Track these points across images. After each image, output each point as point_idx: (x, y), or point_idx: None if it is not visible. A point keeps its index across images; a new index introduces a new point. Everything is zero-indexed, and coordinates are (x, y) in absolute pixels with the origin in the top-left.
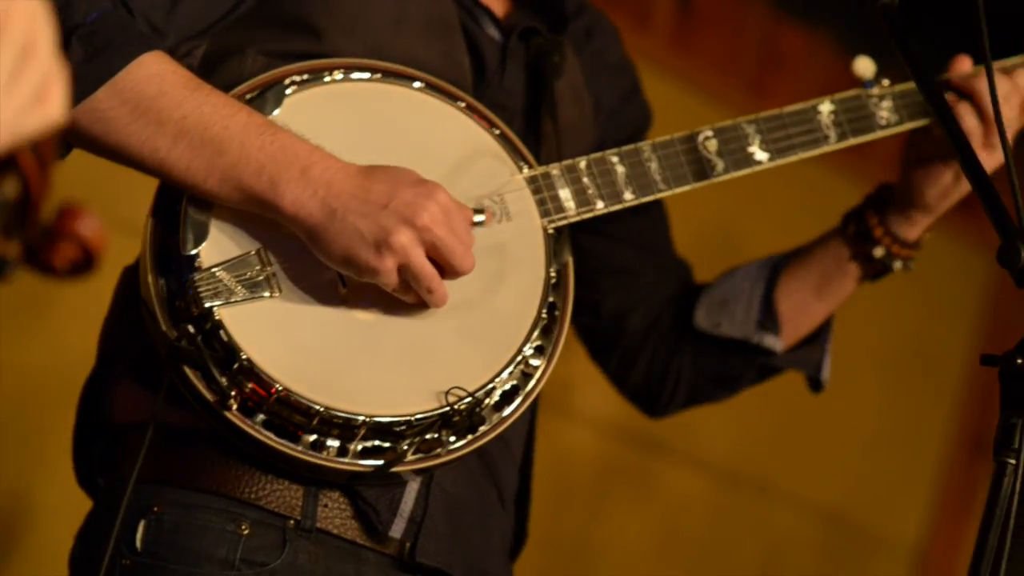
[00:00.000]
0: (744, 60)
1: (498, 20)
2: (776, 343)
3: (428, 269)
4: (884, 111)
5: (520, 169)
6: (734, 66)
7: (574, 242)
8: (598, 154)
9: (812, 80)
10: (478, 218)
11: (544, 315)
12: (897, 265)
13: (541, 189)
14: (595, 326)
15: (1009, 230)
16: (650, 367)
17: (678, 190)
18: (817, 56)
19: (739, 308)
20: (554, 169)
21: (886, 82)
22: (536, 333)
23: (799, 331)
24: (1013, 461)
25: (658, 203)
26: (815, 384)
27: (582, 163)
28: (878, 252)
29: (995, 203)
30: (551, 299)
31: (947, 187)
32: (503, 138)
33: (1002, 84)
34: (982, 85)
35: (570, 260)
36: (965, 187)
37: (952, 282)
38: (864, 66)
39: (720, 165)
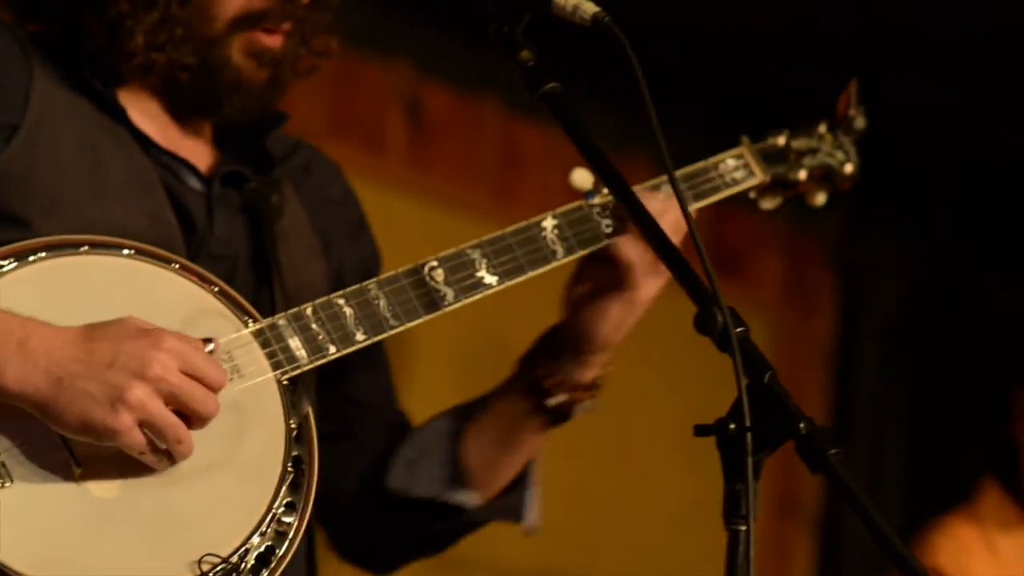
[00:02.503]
0: (484, 166)
1: (199, 171)
2: (470, 498)
3: (171, 419)
4: (608, 219)
5: (245, 324)
6: (475, 173)
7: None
8: (324, 299)
9: (556, 178)
10: (208, 348)
11: (290, 469)
12: (578, 409)
13: (270, 341)
14: None
15: (703, 296)
16: (362, 532)
17: (410, 324)
18: (557, 153)
19: (429, 467)
20: (280, 320)
21: (605, 191)
22: (284, 489)
23: (495, 482)
24: (744, 527)
25: (381, 352)
26: (528, 527)
27: (308, 310)
28: (554, 400)
29: (685, 270)
30: (295, 452)
31: (618, 320)
32: (223, 295)
33: (652, 203)
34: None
35: (310, 411)
36: (637, 316)
37: None
38: (582, 177)
39: (450, 294)
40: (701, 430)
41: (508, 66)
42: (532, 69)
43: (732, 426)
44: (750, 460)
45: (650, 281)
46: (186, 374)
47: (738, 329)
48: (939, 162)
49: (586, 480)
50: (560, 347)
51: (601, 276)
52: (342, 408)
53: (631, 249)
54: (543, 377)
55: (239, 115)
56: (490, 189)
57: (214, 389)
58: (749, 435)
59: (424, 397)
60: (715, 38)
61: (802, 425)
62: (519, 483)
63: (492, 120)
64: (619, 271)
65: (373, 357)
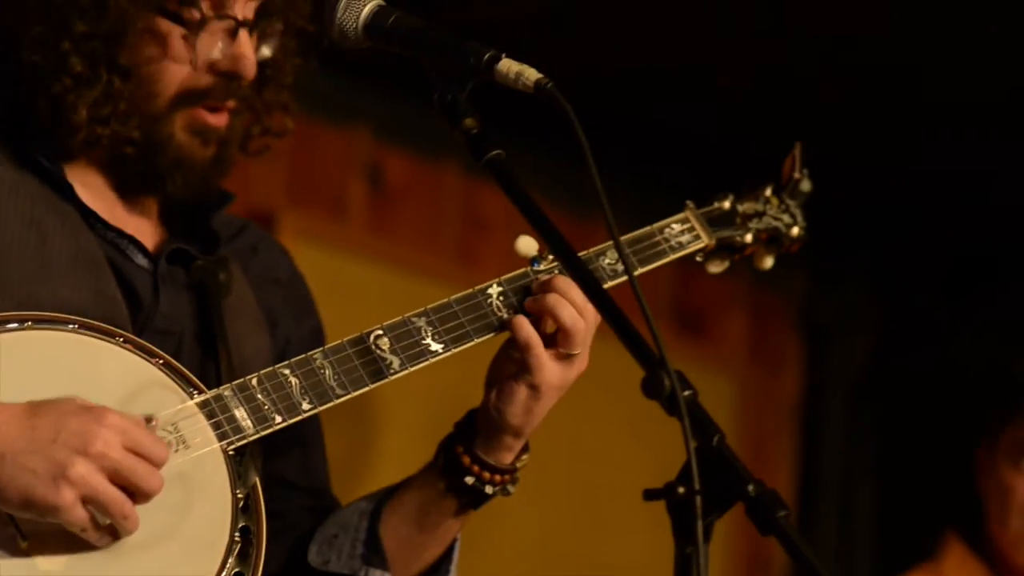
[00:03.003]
0: (446, 231)
1: (145, 248)
2: None
3: (115, 495)
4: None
5: (191, 395)
6: (437, 238)
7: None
8: (269, 369)
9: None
10: (149, 426)
11: (237, 539)
12: (492, 491)
13: (215, 412)
14: None
15: (651, 360)
16: None
17: (355, 393)
18: (520, 217)
19: (346, 543)
20: (226, 391)
21: (551, 257)
22: (232, 560)
23: (413, 563)
24: None
25: (316, 431)
26: None
27: (253, 380)
28: (469, 481)
29: (633, 337)
30: (242, 523)
31: (526, 405)
32: (168, 367)
33: (574, 288)
34: (552, 298)
35: (257, 481)
36: (547, 401)
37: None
38: (527, 244)
39: (395, 362)
40: (651, 494)
41: (450, 132)
42: (476, 136)
43: (681, 489)
44: (700, 523)
45: (553, 366)
46: (129, 450)
47: (686, 392)
48: (901, 218)
49: (554, 536)
50: (477, 430)
51: (506, 366)
52: (273, 487)
53: (524, 330)
54: (460, 455)
55: (182, 193)
56: (453, 254)
57: (157, 464)
58: (698, 498)
59: (393, 463)
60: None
61: (751, 487)
62: (439, 566)
63: (453, 185)
64: (519, 353)
65: (307, 436)
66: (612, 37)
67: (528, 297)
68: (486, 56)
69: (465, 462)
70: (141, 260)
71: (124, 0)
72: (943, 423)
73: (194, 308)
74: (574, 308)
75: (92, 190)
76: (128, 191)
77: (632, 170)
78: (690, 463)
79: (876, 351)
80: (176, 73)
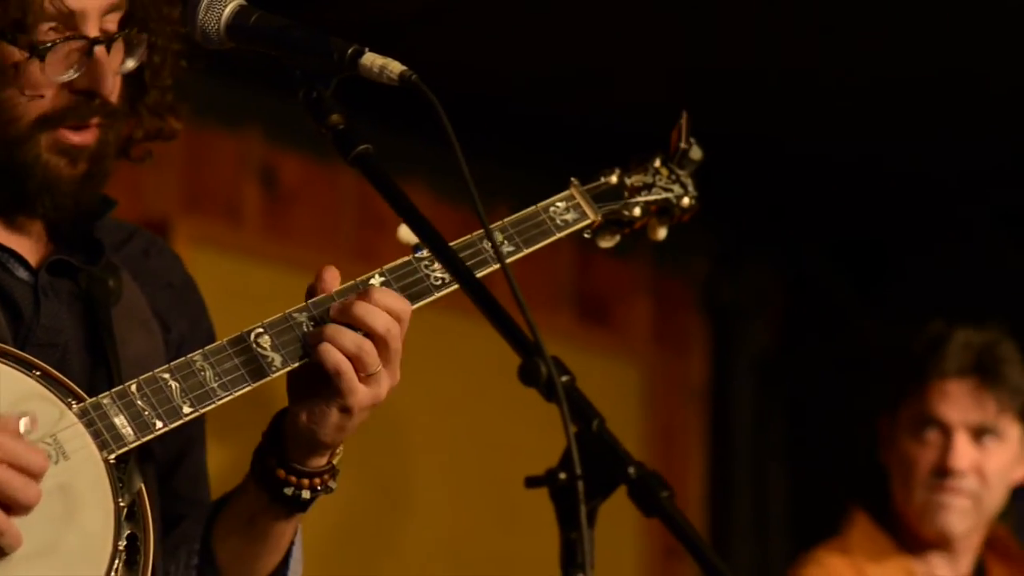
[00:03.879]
0: (343, 230)
1: (27, 261)
2: None
3: None
4: (437, 272)
5: (70, 406)
6: (334, 238)
7: None
8: (148, 375)
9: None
10: (23, 423)
11: (122, 548)
12: (312, 495)
13: (94, 421)
14: None
15: (526, 347)
16: None
17: (237, 393)
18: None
19: (183, 555)
20: (104, 399)
21: None
22: (119, 569)
23: (248, 573)
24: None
25: (200, 440)
26: None
27: (133, 386)
28: (288, 491)
29: (507, 324)
30: (128, 531)
31: (339, 425)
32: (46, 377)
33: (371, 310)
34: (362, 310)
35: (142, 487)
36: (359, 419)
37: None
38: (407, 233)
39: (277, 359)
40: (532, 481)
41: (316, 129)
42: (342, 132)
43: (563, 475)
44: (583, 508)
45: (364, 388)
46: (4, 462)
47: (563, 377)
48: (800, 197)
49: (467, 531)
50: (286, 439)
51: (313, 387)
52: (166, 497)
53: (332, 357)
54: (273, 468)
55: (53, 214)
56: (351, 253)
57: (35, 475)
58: (580, 483)
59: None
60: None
61: (631, 470)
62: (277, 572)
63: (348, 183)
64: (330, 379)
65: (192, 445)
66: (501, 33)
67: (331, 308)
68: (349, 51)
69: (280, 475)
70: (22, 273)
71: None
72: (847, 400)
73: (82, 318)
74: (352, 334)
75: None
76: (6, 208)
77: (528, 163)
78: (570, 448)
79: (781, 331)
80: (33, 97)
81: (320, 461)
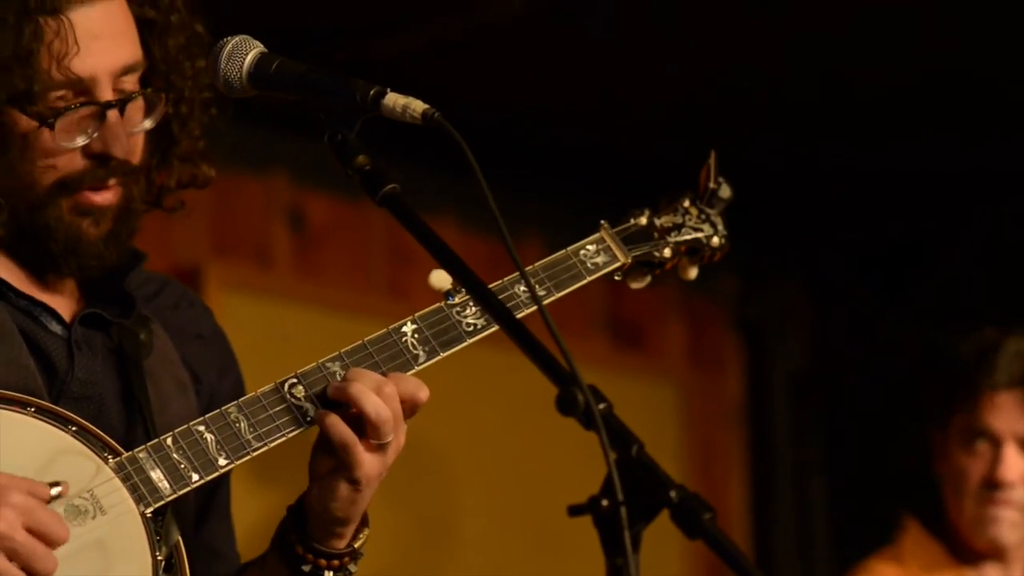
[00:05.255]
0: (373, 267)
1: (60, 316)
2: None
3: (12, 574)
4: (469, 318)
5: (106, 460)
6: (365, 275)
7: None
8: (184, 427)
9: None
10: (55, 491)
11: None
12: (332, 575)
13: (131, 475)
14: None
15: (563, 377)
16: None
17: (273, 444)
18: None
19: None
20: (141, 453)
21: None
22: None
23: None
24: None
25: (226, 500)
26: None
27: (168, 440)
28: (306, 568)
29: (544, 356)
30: None
31: (350, 498)
32: (82, 432)
33: (369, 376)
34: (355, 389)
35: (180, 540)
36: (369, 491)
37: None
38: (440, 278)
39: (311, 409)
40: (575, 510)
41: (343, 172)
42: (369, 173)
43: (605, 502)
44: (627, 534)
45: (370, 458)
46: (29, 530)
47: (600, 405)
48: (823, 208)
49: (512, 569)
50: (307, 518)
51: (324, 461)
52: (203, 555)
53: (336, 429)
54: (293, 544)
55: (79, 274)
56: (382, 289)
57: (56, 543)
58: (623, 509)
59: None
60: (586, 119)
61: (673, 493)
62: None
63: (377, 221)
64: (335, 451)
65: (223, 502)
66: (516, 65)
67: (332, 384)
68: (372, 92)
69: (299, 551)
70: (55, 327)
71: None
72: (892, 411)
73: (115, 371)
74: (374, 396)
75: (1, 263)
76: (36, 265)
77: (554, 191)
78: (611, 475)
79: (814, 345)
80: (48, 164)
81: (339, 543)
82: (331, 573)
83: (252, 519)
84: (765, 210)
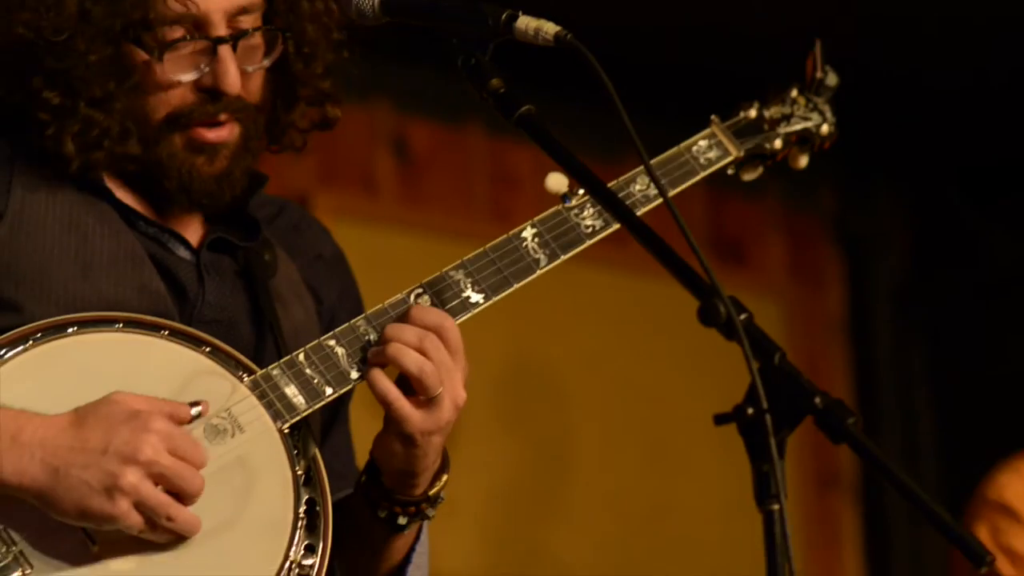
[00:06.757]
0: (476, 192)
1: (187, 240)
2: None
3: (161, 498)
4: (587, 219)
5: (241, 379)
6: (468, 200)
7: None
8: (315, 342)
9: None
10: (195, 410)
11: (302, 514)
12: (406, 521)
13: (266, 392)
14: None
15: (703, 289)
16: None
17: None
18: (547, 167)
19: None
20: (274, 369)
21: (581, 191)
22: (300, 535)
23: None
24: (776, 506)
25: (346, 418)
26: None
27: (300, 355)
28: (381, 514)
29: (683, 268)
30: (307, 496)
31: (406, 453)
32: (216, 352)
33: (407, 331)
34: (392, 350)
35: (317, 452)
36: (427, 445)
37: None
38: (557, 181)
39: None
40: (721, 418)
41: (478, 95)
42: (504, 95)
43: (750, 410)
44: (772, 440)
45: (418, 414)
46: (173, 454)
47: (741, 316)
48: (930, 123)
49: (627, 486)
50: (377, 473)
51: (387, 427)
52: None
53: (379, 385)
54: (369, 492)
55: (190, 209)
56: (485, 213)
57: (198, 467)
58: (768, 416)
59: (461, 414)
60: (690, 36)
61: (817, 399)
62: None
63: (478, 145)
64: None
65: (339, 418)
66: None
67: (371, 348)
68: (504, 16)
69: (373, 495)
70: (183, 252)
71: (91, 33)
72: (992, 323)
73: (243, 293)
74: (415, 352)
75: (128, 191)
76: (158, 194)
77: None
78: (755, 383)
79: (915, 256)
80: (160, 97)
81: (413, 491)
82: (406, 519)
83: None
84: (866, 123)
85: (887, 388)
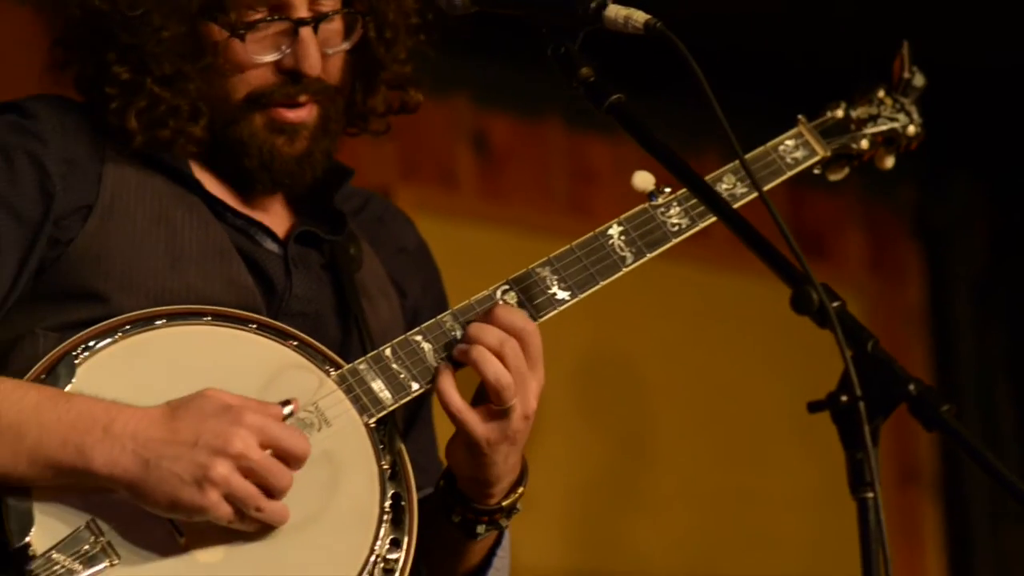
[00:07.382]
0: (555, 186)
1: (274, 233)
2: None
3: (250, 490)
4: (673, 218)
5: (327, 373)
6: (547, 194)
7: None
8: (401, 338)
9: (627, 186)
10: (287, 410)
11: (388, 508)
12: (482, 529)
13: (353, 387)
14: None
15: (796, 277)
16: None
17: None
18: (625, 161)
19: None
20: (361, 364)
21: (668, 189)
22: (385, 529)
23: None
24: (871, 494)
25: (429, 413)
26: None
27: (387, 351)
28: (456, 519)
29: (777, 257)
30: (392, 491)
31: (475, 461)
32: (303, 346)
33: (489, 333)
34: (476, 354)
35: (403, 447)
36: (495, 454)
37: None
38: (643, 179)
39: (528, 313)
40: (814, 406)
41: (567, 84)
42: (594, 84)
43: (844, 398)
44: (866, 428)
45: (485, 425)
46: (266, 447)
47: (834, 304)
48: (1006, 114)
49: (706, 479)
50: (453, 480)
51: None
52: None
53: (443, 395)
54: (446, 497)
55: (271, 190)
56: (564, 207)
57: (294, 458)
58: (862, 404)
59: (541, 409)
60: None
61: (912, 387)
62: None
63: (556, 139)
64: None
65: (422, 414)
66: None
67: (456, 346)
68: (593, 4)
69: (449, 501)
70: (271, 245)
71: (167, 9)
72: None
73: (330, 287)
74: (495, 359)
75: (216, 182)
76: (244, 184)
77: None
78: (848, 371)
79: (994, 247)
80: (240, 77)
81: (488, 500)
82: (481, 527)
83: None
84: (942, 114)
85: (967, 380)
